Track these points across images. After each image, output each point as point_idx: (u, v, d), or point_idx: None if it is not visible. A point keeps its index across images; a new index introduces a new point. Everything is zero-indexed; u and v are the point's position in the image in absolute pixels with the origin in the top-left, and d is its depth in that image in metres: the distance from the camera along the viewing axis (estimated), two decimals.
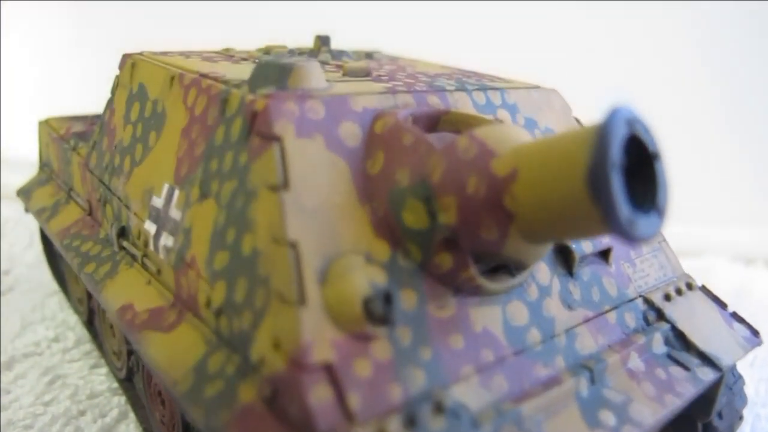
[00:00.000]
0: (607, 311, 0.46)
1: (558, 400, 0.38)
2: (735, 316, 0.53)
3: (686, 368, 0.45)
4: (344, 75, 0.50)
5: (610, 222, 0.30)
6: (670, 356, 0.46)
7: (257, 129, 0.38)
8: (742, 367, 0.58)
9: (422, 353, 0.35)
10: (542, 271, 0.44)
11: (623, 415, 0.39)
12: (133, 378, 0.58)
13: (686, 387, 0.43)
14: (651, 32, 1.27)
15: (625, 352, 0.43)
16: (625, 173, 0.30)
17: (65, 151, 0.70)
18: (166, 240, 0.46)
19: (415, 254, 0.38)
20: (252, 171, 0.38)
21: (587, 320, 0.44)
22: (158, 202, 0.48)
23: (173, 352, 0.40)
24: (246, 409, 0.33)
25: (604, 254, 0.49)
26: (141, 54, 0.60)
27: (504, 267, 0.40)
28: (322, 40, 0.67)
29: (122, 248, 0.53)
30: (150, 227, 0.48)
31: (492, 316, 0.40)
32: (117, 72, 0.61)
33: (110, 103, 0.61)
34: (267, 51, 0.66)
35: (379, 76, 0.52)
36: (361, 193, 0.39)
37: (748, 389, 0.59)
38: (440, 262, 0.37)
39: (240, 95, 0.41)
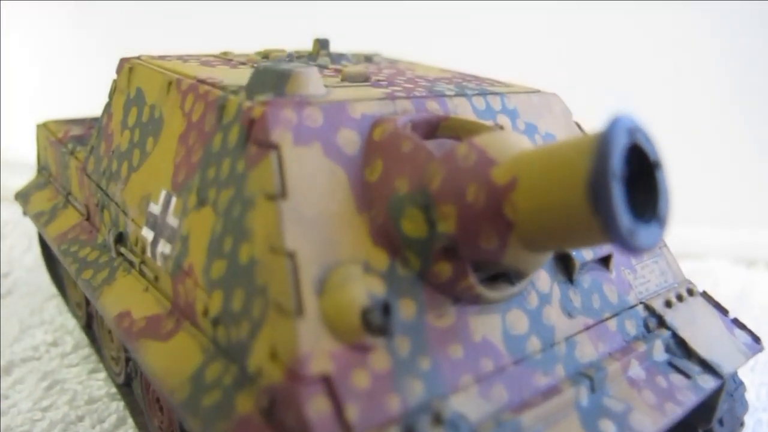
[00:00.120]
0: (607, 318, 0.46)
1: (558, 410, 0.38)
2: (736, 323, 0.52)
3: (687, 376, 0.45)
4: (343, 80, 0.50)
5: (610, 232, 0.29)
6: (670, 364, 0.45)
7: (254, 137, 0.38)
8: (743, 372, 0.57)
9: (421, 363, 0.35)
10: (542, 278, 0.43)
11: (624, 425, 0.39)
12: (132, 384, 0.57)
13: (687, 395, 0.43)
14: (652, 34, 1.27)
15: (625, 360, 0.43)
16: (625, 182, 0.30)
17: (63, 155, 0.69)
18: (164, 247, 0.45)
19: (414, 263, 0.37)
20: (249, 179, 0.38)
21: (587, 328, 0.44)
22: (155, 208, 0.48)
23: (170, 360, 0.40)
24: (243, 421, 0.33)
25: (605, 261, 0.48)
26: (138, 58, 0.59)
27: (503, 275, 0.40)
28: (321, 44, 0.67)
29: (120, 254, 0.53)
30: (147, 234, 0.48)
31: (491, 325, 0.39)
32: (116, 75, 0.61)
33: (108, 107, 0.61)
34: (266, 54, 0.65)
35: (378, 81, 0.51)
36: (359, 202, 0.38)
37: (749, 394, 0.58)
38: (439, 271, 0.37)
39: (237, 102, 0.41)
